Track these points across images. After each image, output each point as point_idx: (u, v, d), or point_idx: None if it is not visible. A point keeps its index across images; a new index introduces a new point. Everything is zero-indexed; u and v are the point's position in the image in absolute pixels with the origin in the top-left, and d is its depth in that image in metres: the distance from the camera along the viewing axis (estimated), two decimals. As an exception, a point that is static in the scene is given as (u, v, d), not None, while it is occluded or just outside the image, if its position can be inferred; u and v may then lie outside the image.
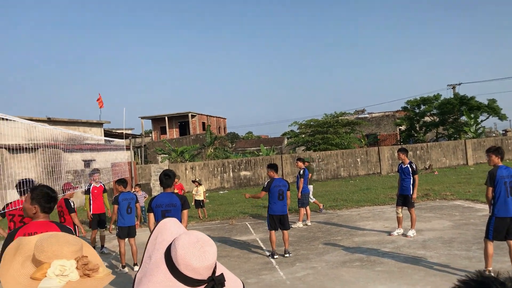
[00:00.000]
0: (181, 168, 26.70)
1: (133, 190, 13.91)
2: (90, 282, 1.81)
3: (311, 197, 13.95)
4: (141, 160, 39.33)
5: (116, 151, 20.31)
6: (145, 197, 14.55)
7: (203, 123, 52.81)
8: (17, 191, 6.52)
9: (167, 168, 27.39)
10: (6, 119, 5.99)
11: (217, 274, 1.42)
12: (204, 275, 1.37)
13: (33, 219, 3.71)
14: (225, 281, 1.42)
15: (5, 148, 22.97)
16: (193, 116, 50.60)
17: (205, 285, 1.38)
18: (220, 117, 59.40)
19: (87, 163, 24.73)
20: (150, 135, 54.92)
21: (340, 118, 37.29)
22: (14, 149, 22.95)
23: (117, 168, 13.19)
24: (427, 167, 28.51)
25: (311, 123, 37.32)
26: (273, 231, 8.92)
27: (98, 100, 21.11)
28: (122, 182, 9.14)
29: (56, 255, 1.78)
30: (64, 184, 8.79)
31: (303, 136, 37.71)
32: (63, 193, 8.50)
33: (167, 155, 36.19)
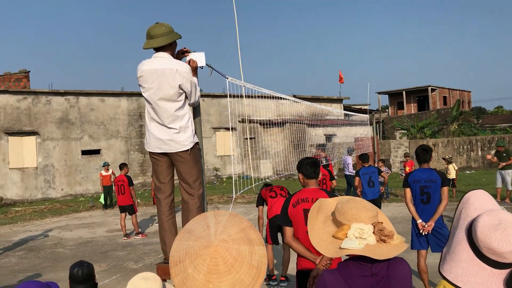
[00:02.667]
0: (422, 144, 25.66)
1: (377, 165, 14.02)
2: (386, 248, 1.88)
3: (509, 186, 12.50)
4: (379, 136, 39.28)
5: (356, 126, 20.75)
6: (387, 172, 14.48)
7: (444, 97, 49.33)
8: None
9: (413, 144, 26.68)
10: (278, 97, 6.68)
11: None
12: (509, 258, 1.27)
13: (304, 187, 4.11)
14: None
15: (259, 123, 25.99)
16: (433, 90, 47.75)
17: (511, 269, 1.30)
18: (464, 90, 54.52)
19: (329, 137, 26.02)
20: (387, 110, 54.27)
21: None
22: (266, 124, 25.77)
23: (361, 143, 13.52)
24: None
25: None
26: None
27: (340, 78, 21.95)
28: (361, 157, 9.43)
29: (355, 218, 1.91)
30: (314, 156, 9.57)
31: None
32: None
33: (405, 131, 35.23)
